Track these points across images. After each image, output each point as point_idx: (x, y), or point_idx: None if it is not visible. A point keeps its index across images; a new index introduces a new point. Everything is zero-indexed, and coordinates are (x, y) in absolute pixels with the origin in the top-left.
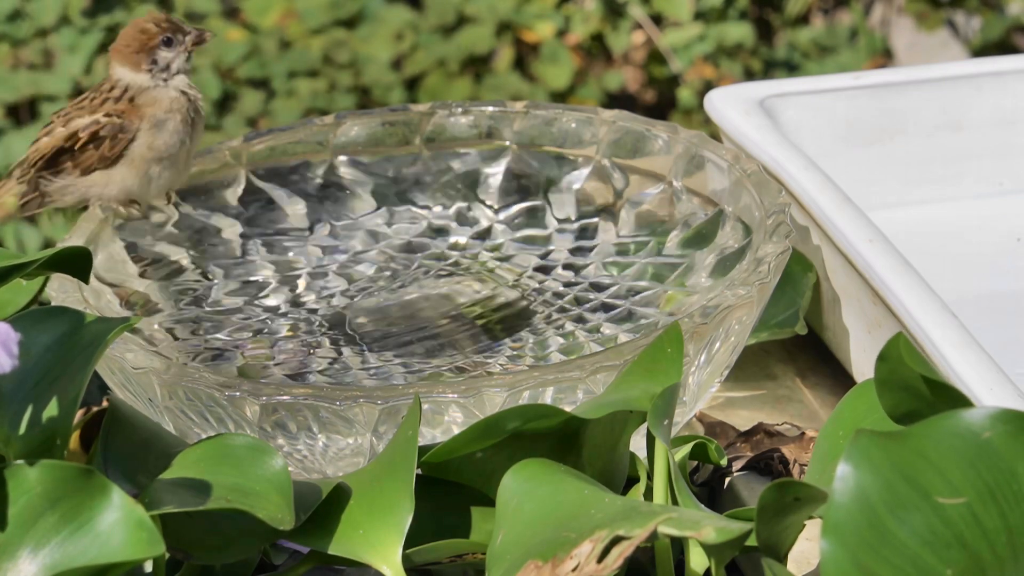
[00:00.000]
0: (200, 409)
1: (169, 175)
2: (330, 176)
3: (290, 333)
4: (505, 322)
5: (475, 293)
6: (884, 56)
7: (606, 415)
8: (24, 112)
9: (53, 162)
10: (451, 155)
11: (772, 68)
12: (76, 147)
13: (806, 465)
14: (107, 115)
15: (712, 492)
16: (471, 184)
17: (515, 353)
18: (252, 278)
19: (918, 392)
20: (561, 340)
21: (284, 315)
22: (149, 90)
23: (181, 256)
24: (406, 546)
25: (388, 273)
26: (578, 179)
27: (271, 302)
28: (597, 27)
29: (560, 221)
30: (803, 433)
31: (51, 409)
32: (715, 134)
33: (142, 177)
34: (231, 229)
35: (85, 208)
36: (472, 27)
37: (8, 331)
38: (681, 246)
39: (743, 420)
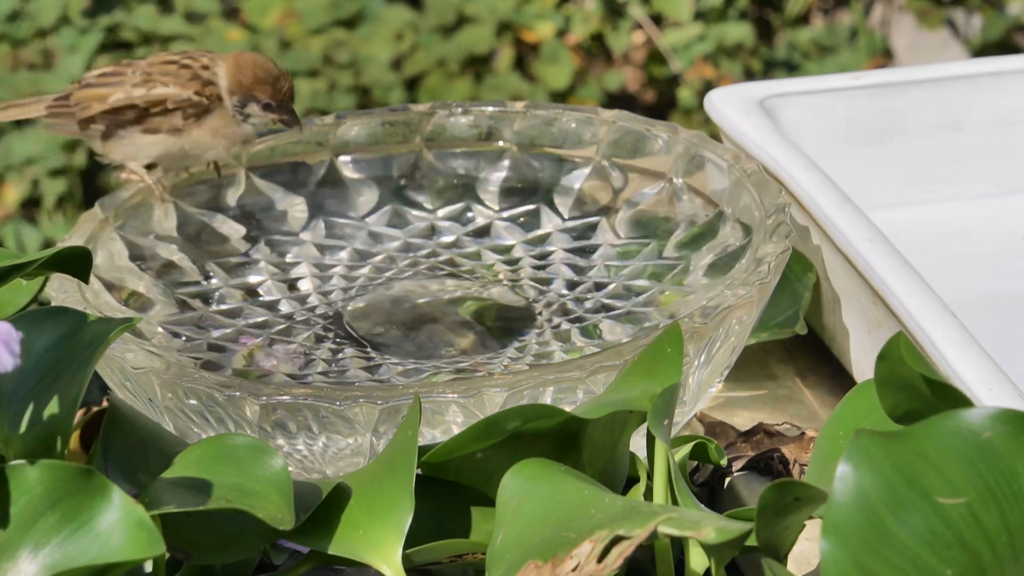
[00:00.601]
0: (200, 409)
1: (181, 167)
2: (330, 176)
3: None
4: (505, 323)
5: (474, 294)
6: (884, 56)
7: (606, 415)
8: None
9: (119, 112)
10: (451, 155)
11: (772, 68)
12: (152, 110)
13: (806, 465)
14: (197, 93)
15: (712, 492)
16: (471, 184)
17: (515, 353)
18: (252, 278)
19: (918, 392)
20: (561, 341)
21: (284, 315)
22: (228, 110)
23: (181, 256)
24: (406, 546)
25: (388, 273)
26: (578, 179)
27: (271, 302)
28: (597, 27)
29: (560, 221)
30: (803, 433)
31: (51, 409)
32: (715, 134)
33: (174, 157)
34: (231, 229)
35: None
36: (472, 27)
37: (10, 330)
38: (681, 246)
39: (743, 420)
